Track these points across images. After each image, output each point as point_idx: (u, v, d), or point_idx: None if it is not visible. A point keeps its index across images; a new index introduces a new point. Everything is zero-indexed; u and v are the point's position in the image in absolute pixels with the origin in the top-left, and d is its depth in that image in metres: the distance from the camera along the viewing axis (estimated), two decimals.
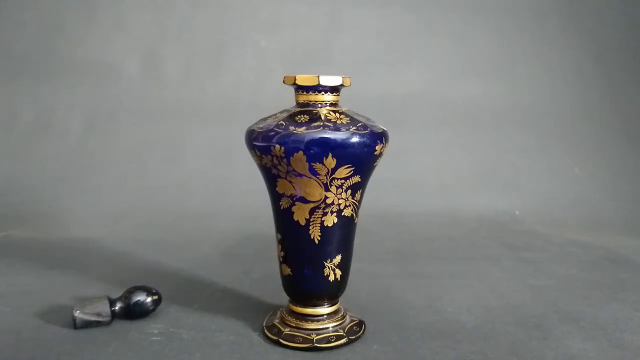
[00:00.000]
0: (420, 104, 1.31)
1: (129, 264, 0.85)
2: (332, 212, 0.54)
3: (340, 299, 0.60)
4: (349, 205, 0.55)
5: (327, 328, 0.58)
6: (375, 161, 0.55)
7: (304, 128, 0.51)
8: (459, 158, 1.28)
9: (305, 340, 0.56)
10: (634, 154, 1.30)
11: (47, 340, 0.58)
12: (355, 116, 0.55)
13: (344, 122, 0.53)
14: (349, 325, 0.59)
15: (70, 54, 1.26)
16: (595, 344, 0.59)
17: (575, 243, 1.01)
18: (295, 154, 0.51)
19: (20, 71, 1.25)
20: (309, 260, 0.56)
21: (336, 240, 0.56)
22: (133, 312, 0.62)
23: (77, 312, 0.59)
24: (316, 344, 0.56)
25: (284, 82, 0.56)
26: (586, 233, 1.09)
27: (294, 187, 0.53)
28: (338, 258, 0.57)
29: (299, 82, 0.54)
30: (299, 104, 0.56)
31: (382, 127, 0.56)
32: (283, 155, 0.51)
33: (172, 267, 0.84)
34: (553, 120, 1.32)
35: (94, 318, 0.60)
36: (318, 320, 0.58)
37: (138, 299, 0.62)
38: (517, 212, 1.19)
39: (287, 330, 0.58)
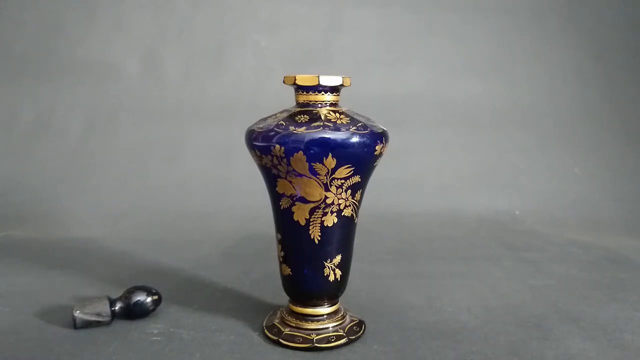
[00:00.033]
0: (420, 104, 1.31)
1: (129, 264, 0.85)
2: (332, 212, 0.54)
3: (340, 299, 0.60)
4: (349, 205, 0.55)
5: (327, 328, 0.58)
6: (375, 161, 0.55)
7: (304, 128, 0.51)
8: (459, 158, 1.28)
9: (305, 340, 0.56)
10: (634, 154, 1.30)
11: (47, 340, 0.58)
12: (355, 116, 0.55)
13: (344, 122, 0.53)
14: (349, 325, 0.59)
15: (70, 54, 1.26)
16: (595, 344, 0.59)
17: (575, 243, 1.01)
18: (295, 154, 0.51)
19: (20, 71, 1.25)
20: (309, 260, 0.56)
21: (336, 240, 0.56)
22: (133, 312, 0.62)
23: (77, 312, 0.59)
24: (316, 344, 0.56)
25: (284, 82, 0.56)
26: (586, 233, 1.09)
27: (294, 187, 0.53)
28: (338, 258, 0.57)
29: (299, 82, 0.54)
30: (299, 104, 0.56)
31: (382, 127, 0.56)
32: (283, 155, 0.51)
33: (172, 267, 0.84)
34: (553, 120, 1.32)
35: (94, 318, 0.60)
36: (318, 320, 0.58)
37: (138, 299, 0.62)
38: (517, 212, 1.19)
39: (287, 330, 0.58)
